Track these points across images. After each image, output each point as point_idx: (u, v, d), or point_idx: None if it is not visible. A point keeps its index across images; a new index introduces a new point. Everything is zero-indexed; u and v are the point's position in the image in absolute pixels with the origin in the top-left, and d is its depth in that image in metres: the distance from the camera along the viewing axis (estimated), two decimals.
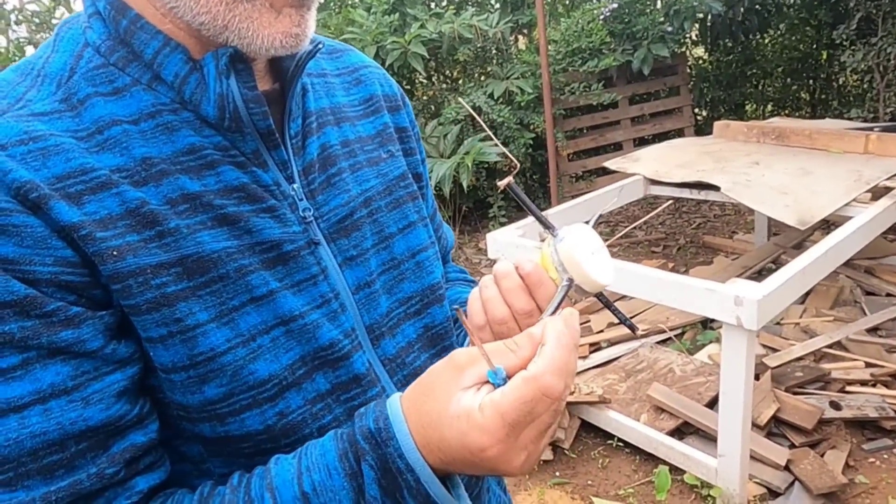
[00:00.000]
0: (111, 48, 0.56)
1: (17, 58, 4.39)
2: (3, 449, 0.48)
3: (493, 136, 0.59)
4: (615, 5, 4.94)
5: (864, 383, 2.64)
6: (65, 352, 0.50)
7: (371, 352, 0.65)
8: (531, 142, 4.72)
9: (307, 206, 0.62)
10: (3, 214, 0.48)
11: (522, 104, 4.67)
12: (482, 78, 5.15)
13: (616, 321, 3.29)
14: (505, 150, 0.59)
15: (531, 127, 4.71)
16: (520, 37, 5.73)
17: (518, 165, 0.62)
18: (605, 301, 0.58)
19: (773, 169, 2.88)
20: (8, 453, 0.48)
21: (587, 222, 0.59)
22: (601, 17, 4.87)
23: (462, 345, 0.75)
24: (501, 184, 0.55)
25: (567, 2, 5.51)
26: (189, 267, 0.54)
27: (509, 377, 0.48)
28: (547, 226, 0.57)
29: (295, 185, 0.62)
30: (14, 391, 0.48)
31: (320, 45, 0.63)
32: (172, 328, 0.54)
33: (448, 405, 0.48)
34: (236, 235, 0.57)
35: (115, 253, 0.51)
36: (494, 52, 5.22)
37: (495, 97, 4.64)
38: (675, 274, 2.21)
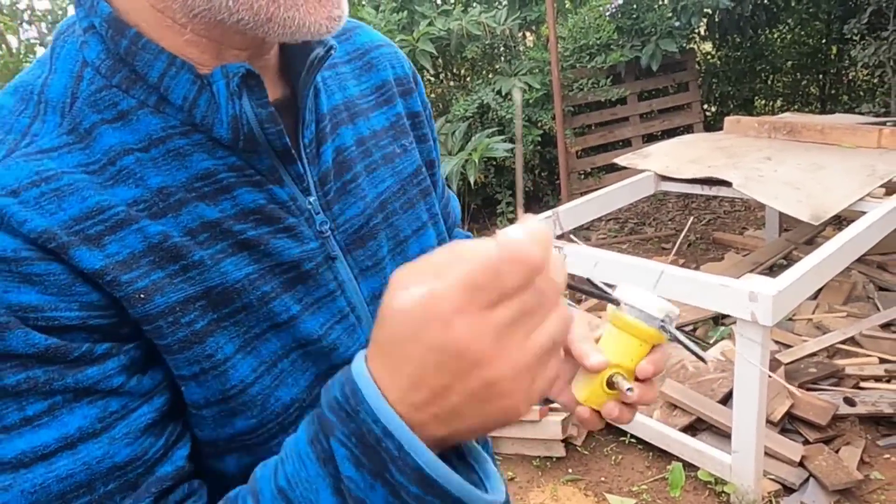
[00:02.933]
0: (112, 68, 0.53)
1: (27, 60, 4.40)
2: (29, 497, 0.47)
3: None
4: (621, 1, 4.92)
5: (878, 379, 2.62)
6: (91, 392, 0.49)
7: None
8: (539, 139, 4.71)
9: (323, 219, 0.61)
10: (24, 263, 0.47)
11: (531, 101, 4.66)
12: (490, 75, 5.14)
13: None
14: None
15: (539, 124, 4.70)
16: (528, 33, 5.71)
17: (706, 363, 0.63)
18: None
19: (785, 164, 2.86)
20: (35, 500, 0.47)
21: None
22: (608, 12, 4.85)
23: None
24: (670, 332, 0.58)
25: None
26: (214, 299, 0.53)
27: None
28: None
29: (311, 199, 0.60)
30: (41, 439, 0.47)
31: (332, 49, 0.60)
32: (205, 365, 0.53)
33: (393, 302, 0.40)
34: (256, 259, 0.56)
35: (142, 296, 0.50)
36: (502, 48, 5.21)
37: (503, 94, 4.64)
38: (688, 269, 2.20)
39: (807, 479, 2.18)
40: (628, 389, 0.55)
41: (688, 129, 5.38)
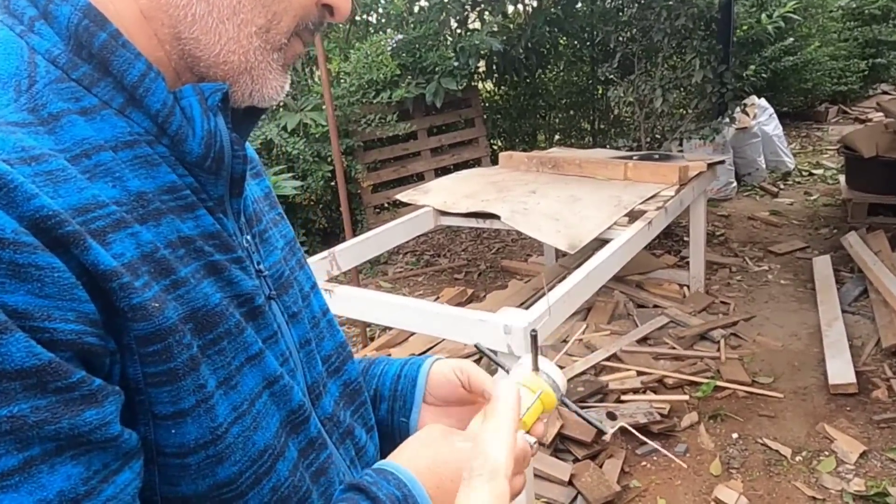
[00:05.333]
0: (72, 62, 0.48)
1: None
2: None
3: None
4: (400, 37, 5.05)
5: (636, 391, 2.86)
6: (80, 443, 0.39)
7: (313, 412, 0.62)
8: (329, 174, 4.65)
9: (259, 258, 0.60)
10: (24, 251, 0.37)
11: (317, 136, 4.59)
12: (279, 110, 5.00)
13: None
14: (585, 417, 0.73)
15: (329, 160, 4.64)
16: (315, 69, 5.67)
17: (606, 433, 0.73)
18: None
19: (547, 197, 3.06)
20: None
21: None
22: (389, 48, 4.95)
23: (372, 400, 0.77)
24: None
25: (359, 33, 5.56)
26: (199, 322, 0.49)
27: None
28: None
29: (247, 237, 0.59)
30: None
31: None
32: (199, 396, 0.47)
33: (454, 444, 0.59)
34: (222, 286, 0.52)
35: (155, 305, 0.44)
36: None
37: (289, 129, 4.52)
38: (449, 306, 2.24)
39: (575, 497, 2.29)
40: (532, 444, 0.65)
41: (477, 163, 5.64)
